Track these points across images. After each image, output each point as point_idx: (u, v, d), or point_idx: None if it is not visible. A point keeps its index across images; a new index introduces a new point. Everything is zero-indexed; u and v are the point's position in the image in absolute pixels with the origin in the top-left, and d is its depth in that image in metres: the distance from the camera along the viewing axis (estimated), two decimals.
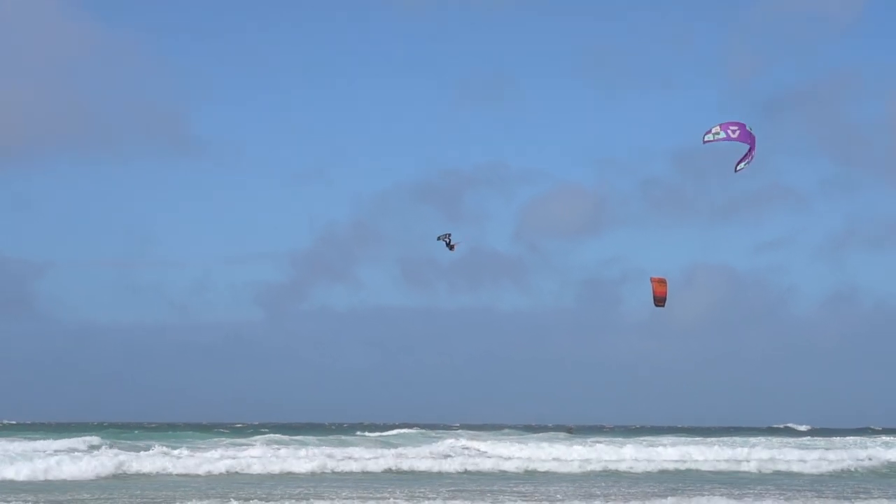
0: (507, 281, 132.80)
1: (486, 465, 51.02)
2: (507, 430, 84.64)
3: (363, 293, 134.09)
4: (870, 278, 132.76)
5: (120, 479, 43.04)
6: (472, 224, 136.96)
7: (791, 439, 73.56)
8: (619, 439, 68.89)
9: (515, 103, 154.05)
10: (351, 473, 47.80)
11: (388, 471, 49.04)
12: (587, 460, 54.17)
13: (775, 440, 70.69)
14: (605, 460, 54.52)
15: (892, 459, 58.82)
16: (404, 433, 75.82)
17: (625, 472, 50.57)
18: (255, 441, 59.81)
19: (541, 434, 79.52)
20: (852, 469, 53.77)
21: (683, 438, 70.33)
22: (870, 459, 57.31)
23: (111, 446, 51.74)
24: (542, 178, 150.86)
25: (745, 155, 30.15)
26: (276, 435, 67.61)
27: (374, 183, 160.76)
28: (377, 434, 75.08)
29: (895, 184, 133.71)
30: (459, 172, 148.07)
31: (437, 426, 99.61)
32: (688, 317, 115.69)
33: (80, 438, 56.57)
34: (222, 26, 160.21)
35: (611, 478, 47.70)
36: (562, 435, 75.01)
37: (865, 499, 38.79)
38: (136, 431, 75.56)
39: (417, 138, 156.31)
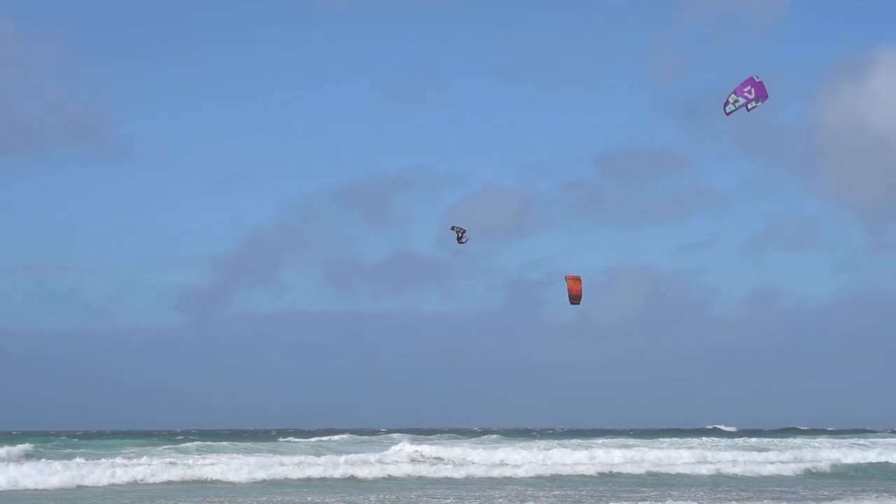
0: (431, 284, 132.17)
1: (456, 471, 50.81)
2: (436, 435, 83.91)
3: (287, 297, 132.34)
4: (790, 279, 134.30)
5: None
6: (396, 227, 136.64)
7: (727, 440, 73.87)
8: (550, 441, 68.78)
9: (441, 105, 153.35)
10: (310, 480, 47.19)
11: (353, 478, 48.33)
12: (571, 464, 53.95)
13: (723, 442, 71.17)
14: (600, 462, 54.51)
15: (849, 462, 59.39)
16: (342, 439, 74.77)
17: (615, 475, 50.56)
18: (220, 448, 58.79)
19: (474, 439, 78.88)
20: (793, 473, 53.71)
21: (625, 441, 70.22)
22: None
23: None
24: (466, 180, 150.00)
25: (759, 98, 30.04)
26: (225, 442, 66.75)
27: (299, 186, 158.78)
28: (315, 439, 74.09)
29: (815, 185, 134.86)
30: (384, 175, 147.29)
31: (364, 431, 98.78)
32: (612, 318, 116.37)
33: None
34: (148, 28, 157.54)
35: (604, 482, 47.42)
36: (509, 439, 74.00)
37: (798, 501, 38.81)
38: (64, 438, 74.50)
39: (342, 141, 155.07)
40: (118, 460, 49.93)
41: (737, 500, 38.70)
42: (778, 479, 49.68)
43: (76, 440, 74.79)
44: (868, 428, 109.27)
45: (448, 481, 47.33)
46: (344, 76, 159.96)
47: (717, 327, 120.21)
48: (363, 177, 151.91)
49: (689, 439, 75.05)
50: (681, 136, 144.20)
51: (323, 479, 47.67)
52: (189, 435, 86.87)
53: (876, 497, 39.67)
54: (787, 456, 61.05)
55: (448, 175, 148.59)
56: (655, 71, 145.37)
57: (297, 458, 53.34)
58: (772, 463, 56.19)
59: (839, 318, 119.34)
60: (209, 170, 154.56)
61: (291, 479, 47.31)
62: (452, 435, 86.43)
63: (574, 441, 68.84)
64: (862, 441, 74.77)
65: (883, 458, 62.03)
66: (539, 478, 49.44)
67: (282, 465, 50.37)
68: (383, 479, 48.29)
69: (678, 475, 51.31)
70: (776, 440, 75.55)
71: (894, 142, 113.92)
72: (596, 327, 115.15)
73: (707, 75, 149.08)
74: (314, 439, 74.41)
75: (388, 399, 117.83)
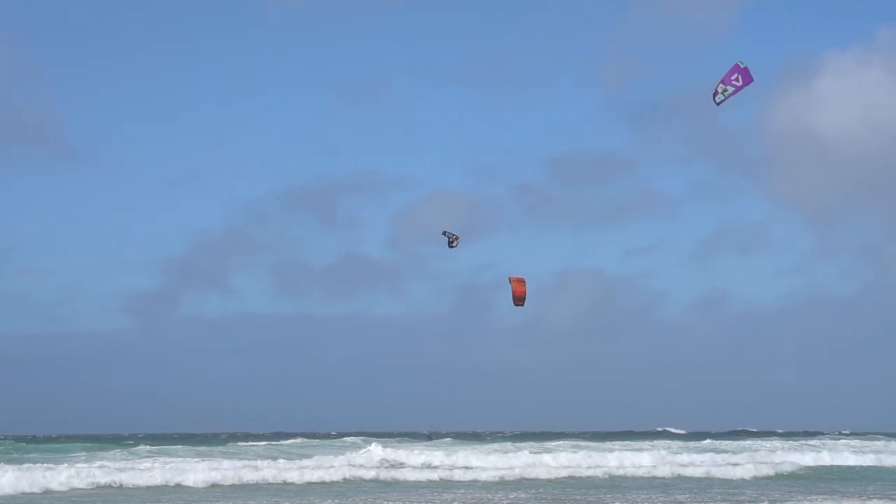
0: (381, 287, 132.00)
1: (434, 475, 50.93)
2: (386, 438, 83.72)
3: (236, 301, 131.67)
4: (738, 282, 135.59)
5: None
6: (346, 230, 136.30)
7: (685, 443, 74.22)
8: (503, 444, 68.76)
9: (391, 108, 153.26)
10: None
11: (323, 482, 48.01)
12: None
13: (676, 444, 71.42)
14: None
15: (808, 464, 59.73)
16: (295, 443, 74.35)
17: (576, 478, 50.64)
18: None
19: (428, 442, 78.73)
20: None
21: (579, 443, 70.38)
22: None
23: None
24: (417, 183, 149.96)
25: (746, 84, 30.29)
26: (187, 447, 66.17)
27: (248, 189, 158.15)
28: (265, 443, 73.61)
29: (764, 190, 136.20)
30: (334, 178, 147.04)
31: (316, 434, 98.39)
32: (562, 321, 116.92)
33: None
34: (97, 31, 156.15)
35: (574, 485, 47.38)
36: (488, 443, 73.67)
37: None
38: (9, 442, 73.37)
39: (292, 143, 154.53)
40: (79, 465, 49.19)
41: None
42: (742, 483, 49.61)
43: (24, 444, 73.95)
44: (818, 430, 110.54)
45: (416, 485, 47.12)
46: (294, 79, 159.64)
47: (666, 331, 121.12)
48: (313, 179, 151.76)
49: (654, 442, 75.04)
50: (631, 139, 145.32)
51: (287, 484, 47.35)
52: (138, 438, 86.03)
53: (842, 497, 40.05)
54: (743, 457, 61.29)
55: (398, 178, 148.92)
56: (607, 75, 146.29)
57: (263, 462, 52.65)
58: (735, 465, 56.27)
59: (787, 321, 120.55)
60: (158, 172, 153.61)
61: (252, 484, 47.02)
62: (403, 438, 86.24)
63: (528, 444, 68.74)
64: (814, 442, 75.44)
65: (843, 461, 62.32)
66: (503, 482, 49.42)
67: (240, 468, 49.84)
68: (352, 482, 48.17)
69: (638, 478, 51.57)
70: (735, 442, 75.97)
71: (842, 146, 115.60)
72: (546, 330, 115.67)
73: (658, 79, 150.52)
74: (263, 443, 73.87)
75: (338, 402, 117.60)
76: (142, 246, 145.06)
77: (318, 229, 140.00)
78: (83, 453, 59.37)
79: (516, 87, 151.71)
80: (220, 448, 67.34)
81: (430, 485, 47.39)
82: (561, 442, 72.76)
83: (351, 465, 53.23)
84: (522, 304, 36.31)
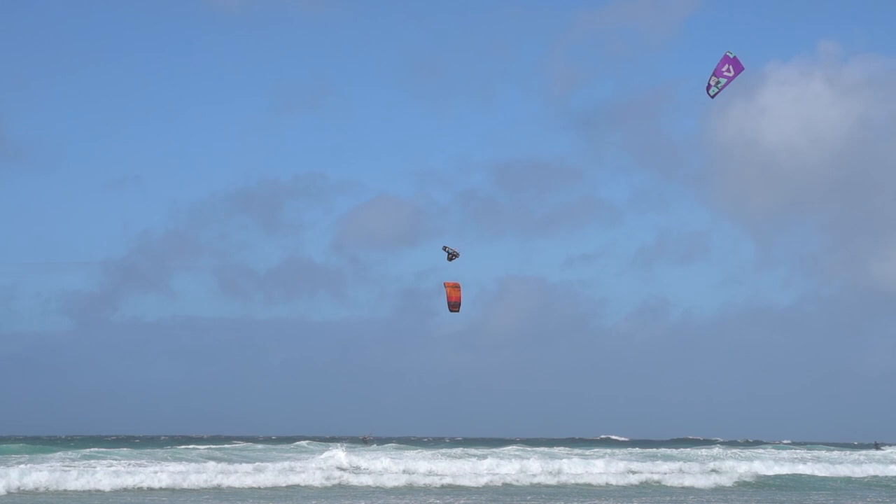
0: (323, 291, 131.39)
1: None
2: (327, 442, 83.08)
3: (177, 303, 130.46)
4: (678, 291, 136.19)
5: None
6: (290, 234, 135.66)
7: (637, 450, 74.25)
8: (450, 450, 68.46)
9: (337, 113, 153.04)
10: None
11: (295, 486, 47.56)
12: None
13: (620, 451, 71.38)
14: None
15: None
16: (246, 446, 73.52)
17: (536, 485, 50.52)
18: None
19: (378, 447, 78.23)
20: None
21: (530, 449, 70.24)
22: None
23: None
24: (361, 188, 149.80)
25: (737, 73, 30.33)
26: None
27: (192, 191, 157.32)
28: (208, 447, 72.57)
29: (705, 199, 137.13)
30: (278, 182, 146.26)
31: (256, 438, 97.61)
32: (503, 328, 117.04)
33: None
34: (39, 31, 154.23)
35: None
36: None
37: None
38: None
39: (237, 146, 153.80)
40: (22, 466, 48.21)
41: None
42: (701, 492, 49.46)
43: None
44: (758, 439, 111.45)
45: (395, 491, 46.85)
46: (240, 83, 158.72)
47: (607, 338, 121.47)
48: (257, 183, 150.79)
49: (614, 450, 75.00)
50: (576, 147, 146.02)
51: (255, 489, 46.77)
52: (78, 441, 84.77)
53: None
54: (697, 466, 61.11)
55: (342, 183, 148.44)
56: (551, 82, 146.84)
57: (235, 466, 51.80)
58: (687, 474, 56.23)
59: (726, 330, 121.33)
60: (100, 173, 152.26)
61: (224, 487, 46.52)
62: (347, 443, 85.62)
63: (474, 450, 68.46)
64: (761, 451, 75.79)
65: (796, 470, 62.50)
66: (468, 488, 49.29)
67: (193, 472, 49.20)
68: (317, 488, 47.73)
69: (591, 485, 51.49)
70: (684, 450, 76.11)
71: (784, 158, 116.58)
72: (487, 337, 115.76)
73: (602, 87, 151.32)
74: (204, 447, 72.86)
75: (279, 405, 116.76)
76: (81, 247, 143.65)
77: (261, 233, 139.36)
78: (26, 455, 58.27)
79: (461, 94, 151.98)
80: (162, 450, 66.44)
81: (405, 490, 47.06)
82: (509, 448, 72.44)
83: (320, 468, 52.78)
84: (457, 310, 36.21)
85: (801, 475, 60.48)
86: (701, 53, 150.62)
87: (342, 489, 47.19)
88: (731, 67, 30.22)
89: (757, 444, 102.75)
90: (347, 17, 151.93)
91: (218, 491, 45.41)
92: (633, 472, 55.98)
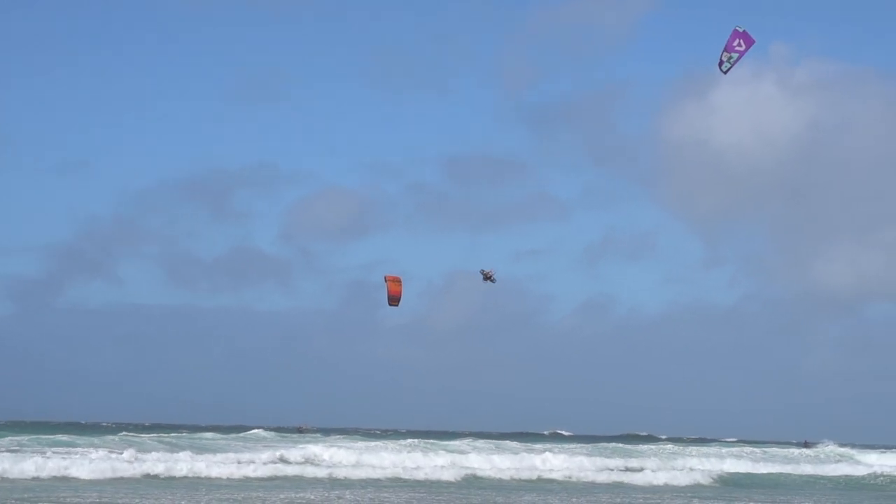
0: (270, 281, 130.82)
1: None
2: (270, 431, 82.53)
3: (122, 290, 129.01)
4: (624, 288, 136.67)
5: None
6: (238, 223, 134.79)
7: (588, 446, 74.38)
8: (400, 443, 68.17)
9: (291, 103, 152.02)
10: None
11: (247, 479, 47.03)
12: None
13: (561, 447, 71.28)
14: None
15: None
16: (210, 436, 72.56)
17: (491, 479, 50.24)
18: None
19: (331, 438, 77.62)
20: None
21: (479, 444, 70.03)
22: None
23: None
24: (310, 179, 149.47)
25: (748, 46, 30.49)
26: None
27: (140, 178, 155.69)
28: (150, 435, 71.79)
29: (654, 197, 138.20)
30: (228, 171, 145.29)
31: (199, 427, 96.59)
32: (450, 322, 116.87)
33: None
34: None
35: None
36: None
37: None
38: None
39: (188, 135, 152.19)
40: None
41: None
42: (659, 489, 49.43)
43: None
44: (702, 436, 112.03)
45: (328, 482, 46.49)
46: (193, 70, 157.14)
47: (552, 334, 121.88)
48: (206, 171, 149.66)
49: (566, 445, 74.98)
50: (528, 142, 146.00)
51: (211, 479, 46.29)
52: (19, 427, 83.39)
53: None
54: (652, 463, 61.18)
55: (292, 173, 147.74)
56: (506, 77, 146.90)
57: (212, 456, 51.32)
58: (644, 471, 56.22)
59: (670, 328, 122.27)
60: (46, 157, 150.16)
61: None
62: (283, 432, 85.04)
63: (430, 442, 68.23)
64: (713, 449, 76.14)
65: (754, 469, 62.64)
66: (419, 481, 49.09)
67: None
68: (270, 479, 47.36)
69: (552, 480, 51.53)
70: (633, 447, 76.28)
71: (733, 157, 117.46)
72: (434, 330, 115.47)
73: (556, 85, 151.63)
74: (147, 435, 72.05)
75: (223, 394, 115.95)
76: (25, 232, 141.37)
77: (209, 221, 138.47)
78: None
79: (415, 87, 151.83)
80: (107, 438, 65.49)
81: (383, 483, 46.80)
82: (458, 442, 72.15)
83: (283, 461, 52.49)
84: (397, 304, 36.12)
85: (765, 474, 60.29)
86: (656, 52, 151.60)
87: (316, 481, 46.84)
88: (741, 42, 30.34)
89: (701, 441, 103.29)
90: (304, 8, 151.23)
91: (159, 479, 44.92)
92: (610, 469, 56.06)
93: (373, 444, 66.36)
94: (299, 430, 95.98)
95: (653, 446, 79.23)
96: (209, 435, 69.74)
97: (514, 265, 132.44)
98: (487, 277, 37.80)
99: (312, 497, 38.41)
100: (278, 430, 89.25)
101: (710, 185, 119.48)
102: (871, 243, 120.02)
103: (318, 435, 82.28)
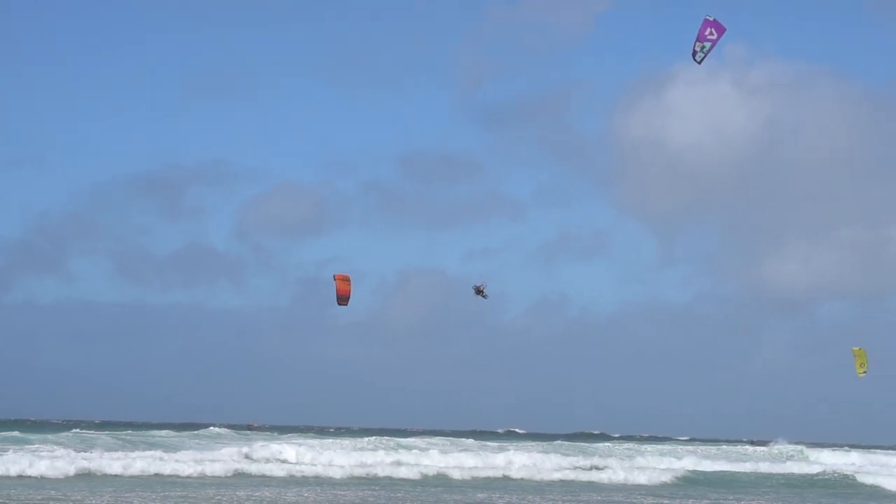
0: (223, 278, 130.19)
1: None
2: (253, 429, 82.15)
3: (74, 287, 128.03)
4: (578, 287, 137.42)
5: None
6: (192, 220, 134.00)
7: (544, 444, 74.44)
8: (357, 440, 67.95)
9: (247, 99, 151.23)
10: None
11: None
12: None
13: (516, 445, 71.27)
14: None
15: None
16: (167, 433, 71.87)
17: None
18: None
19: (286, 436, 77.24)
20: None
21: (436, 441, 69.91)
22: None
23: None
24: (265, 176, 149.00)
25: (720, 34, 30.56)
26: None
27: (93, 173, 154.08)
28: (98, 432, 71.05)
29: (610, 197, 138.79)
30: (182, 167, 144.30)
31: (150, 425, 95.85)
32: (403, 320, 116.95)
33: None
34: None
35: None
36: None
37: None
38: None
39: (142, 130, 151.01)
40: None
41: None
42: (619, 488, 49.31)
43: None
44: (655, 434, 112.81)
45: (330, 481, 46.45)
46: (147, 66, 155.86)
47: (506, 332, 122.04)
48: (161, 167, 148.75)
49: (526, 443, 75.01)
50: (483, 141, 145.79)
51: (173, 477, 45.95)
52: None
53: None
54: (617, 462, 61.06)
55: (246, 170, 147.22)
56: (461, 76, 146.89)
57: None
58: (619, 470, 56.21)
59: (623, 327, 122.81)
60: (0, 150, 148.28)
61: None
62: (240, 429, 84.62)
63: (389, 440, 67.98)
64: (668, 447, 76.37)
65: (732, 467, 62.78)
66: (390, 478, 48.98)
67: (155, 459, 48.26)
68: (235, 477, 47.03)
69: (518, 479, 51.57)
70: (591, 445, 76.46)
71: (688, 158, 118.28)
72: (387, 328, 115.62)
73: (512, 83, 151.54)
74: (97, 432, 71.25)
75: (174, 391, 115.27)
76: None
77: (162, 217, 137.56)
78: None
79: (371, 85, 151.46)
80: (65, 434, 64.78)
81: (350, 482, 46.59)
82: (416, 440, 72.04)
83: (248, 458, 52.20)
84: (346, 304, 35.92)
85: (726, 472, 60.30)
86: (612, 52, 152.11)
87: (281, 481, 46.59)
88: (713, 30, 30.46)
89: (654, 439, 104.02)
90: (261, 4, 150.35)
91: (123, 478, 44.56)
92: (575, 468, 56.08)
93: (328, 441, 66.09)
94: (249, 428, 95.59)
95: (610, 444, 79.52)
96: (164, 433, 69.12)
97: (467, 263, 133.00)
98: (479, 292, 37.84)
99: (269, 494, 38.20)
100: (229, 427, 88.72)
101: (666, 184, 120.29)
102: (823, 243, 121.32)
103: (274, 433, 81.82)
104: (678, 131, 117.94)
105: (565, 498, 41.44)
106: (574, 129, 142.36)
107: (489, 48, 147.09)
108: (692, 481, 54.19)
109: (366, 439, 65.92)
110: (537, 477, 52.59)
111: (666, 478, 53.89)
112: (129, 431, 70.78)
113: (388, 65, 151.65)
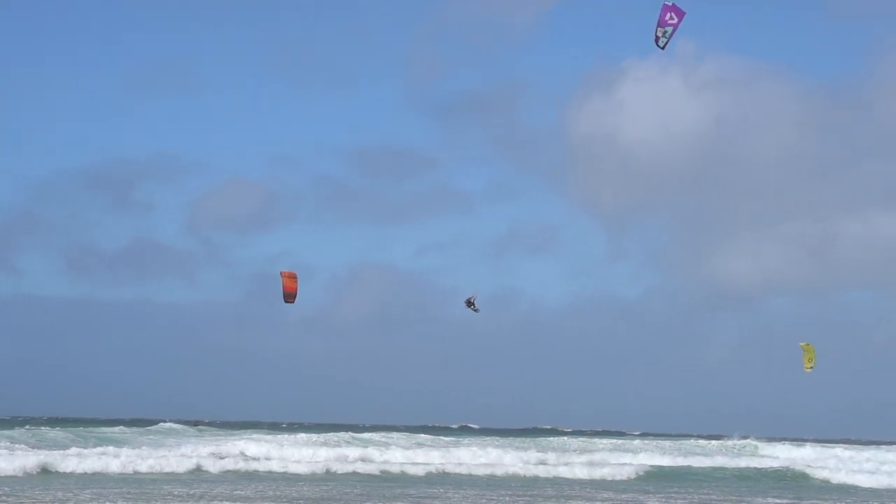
0: (173, 273, 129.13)
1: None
2: (201, 427, 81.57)
3: (20, 281, 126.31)
4: (528, 282, 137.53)
5: None
6: (140, 214, 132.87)
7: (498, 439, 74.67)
8: (310, 435, 67.83)
9: (196, 93, 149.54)
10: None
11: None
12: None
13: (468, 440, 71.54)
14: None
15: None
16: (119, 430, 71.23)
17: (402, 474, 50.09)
18: None
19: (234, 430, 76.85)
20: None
21: (394, 437, 69.84)
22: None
23: None
24: (214, 171, 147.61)
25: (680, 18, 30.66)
26: None
27: (40, 167, 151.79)
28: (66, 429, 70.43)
29: (560, 191, 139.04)
30: (131, 160, 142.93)
31: (99, 421, 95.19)
32: (354, 315, 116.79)
33: None
34: None
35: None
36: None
37: None
38: None
39: (89, 124, 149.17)
40: None
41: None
42: (579, 483, 49.32)
43: None
44: (605, 428, 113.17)
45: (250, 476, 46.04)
46: (94, 58, 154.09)
47: (457, 327, 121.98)
48: (108, 161, 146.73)
49: (485, 439, 75.00)
50: (434, 135, 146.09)
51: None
52: None
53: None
54: (574, 458, 61.15)
55: (195, 163, 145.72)
56: (413, 71, 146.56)
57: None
58: (567, 465, 56.26)
59: (573, 321, 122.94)
60: None
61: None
62: (202, 427, 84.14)
63: (342, 435, 67.89)
64: (627, 442, 76.76)
65: (692, 462, 62.80)
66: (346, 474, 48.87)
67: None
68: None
69: (483, 476, 51.58)
70: (543, 439, 76.71)
71: (639, 153, 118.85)
72: (338, 323, 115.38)
73: (463, 78, 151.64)
74: (58, 430, 70.55)
75: (119, 388, 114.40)
76: None
77: (110, 212, 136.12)
78: None
79: (321, 79, 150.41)
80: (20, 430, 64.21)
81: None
82: (373, 435, 71.90)
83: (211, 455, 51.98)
84: (293, 301, 35.77)
85: (683, 468, 60.36)
86: (564, 46, 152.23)
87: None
88: (672, 15, 30.63)
89: (606, 433, 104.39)
90: None
91: (89, 476, 44.17)
92: (540, 463, 56.09)
93: (286, 437, 65.86)
94: (196, 424, 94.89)
95: (566, 438, 79.94)
96: (117, 429, 68.53)
97: (418, 258, 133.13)
98: (470, 304, 38.16)
99: (225, 491, 38.06)
100: (180, 423, 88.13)
101: (616, 179, 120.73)
102: (771, 238, 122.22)
103: (225, 429, 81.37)
104: (629, 127, 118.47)
105: (532, 493, 41.57)
106: (525, 123, 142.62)
107: (441, 42, 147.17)
108: (655, 476, 54.41)
109: (323, 435, 65.76)
110: (500, 472, 52.41)
111: (626, 473, 53.98)
112: (81, 427, 70.23)
113: (338, 59, 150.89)
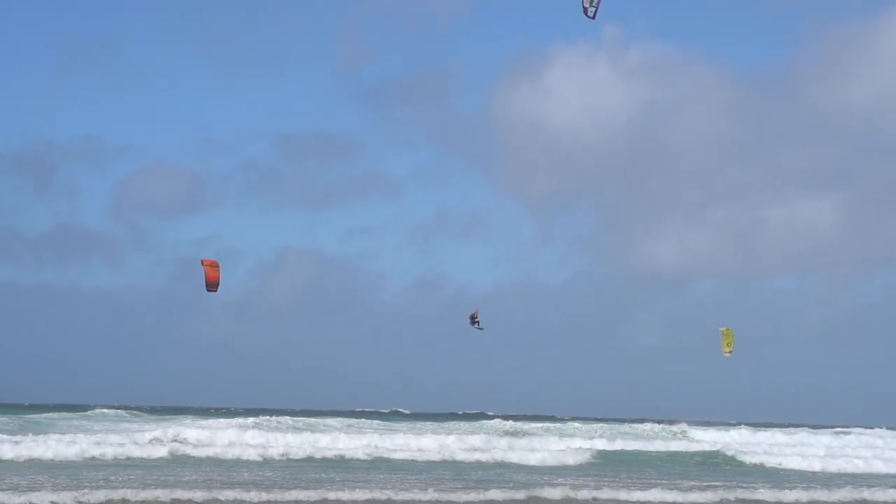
0: (97, 258, 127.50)
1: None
2: (134, 412, 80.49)
3: None
4: (455, 266, 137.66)
5: None
6: (63, 198, 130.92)
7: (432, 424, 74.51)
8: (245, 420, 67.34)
9: (120, 75, 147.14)
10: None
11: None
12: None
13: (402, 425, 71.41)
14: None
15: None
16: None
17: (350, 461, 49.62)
18: None
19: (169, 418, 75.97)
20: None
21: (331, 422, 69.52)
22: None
23: None
24: (140, 154, 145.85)
25: None
26: None
27: None
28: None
29: (488, 177, 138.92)
30: (53, 143, 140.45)
31: (24, 407, 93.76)
32: (281, 299, 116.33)
33: None
34: None
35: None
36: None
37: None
38: None
39: (11, 107, 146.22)
40: None
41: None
42: (538, 469, 48.88)
43: None
44: (537, 413, 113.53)
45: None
46: (16, 38, 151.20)
47: (384, 311, 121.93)
48: (30, 143, 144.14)
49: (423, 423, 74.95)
50: (362, 120, 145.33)
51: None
52: None
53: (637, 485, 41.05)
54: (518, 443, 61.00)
55: (121, 147, 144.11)
56: (341, 55, 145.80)
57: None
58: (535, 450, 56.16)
59: (499, 305, 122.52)
60: None
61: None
62: (135, 412, 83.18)
63: (277, 419, 67.41)
64: (556, 426, 77.19)
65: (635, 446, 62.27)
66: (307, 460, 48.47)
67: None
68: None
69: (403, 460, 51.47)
70: (475, 423, 76.79)
71: (566, 139, 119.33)
72: (264, 308, 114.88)
73: (391, 63, 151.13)
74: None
75: (40, 374, 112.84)
76: None
77: (33, 195, 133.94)
78: None
79: (248, 63, 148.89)
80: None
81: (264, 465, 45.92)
82: (310, 419, 71.42)
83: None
84: (215, 290, 35.50)
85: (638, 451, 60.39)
86: (491, 31, 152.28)
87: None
88: None
89: (536, 418, 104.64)
90: None
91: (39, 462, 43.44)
92: (481, 450, 55.77)
93: (216, 421, 65.31)
94: (126, 409, 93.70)
95: (500, 420, 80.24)
96: (55, 415, 67.50)
97: (345, 243, 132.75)
98: (474, 321, 38.09)
99: (158, 477, 37.67)
100: (109, 408, 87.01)
101: (544, 165, 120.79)
102: (697, 223, 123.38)
103: (153, 414, 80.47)
104: (556, 112, 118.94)
105: (489, 477, 41.61)
106: (453, 109, 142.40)
107: (368, 26, 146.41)
108: (606, 458, 54.57)
109: (254, 419, 65.23)
110: (450, 458, 52.01)
111: (577, 458, 53.91)
112: (9, 415, 69.17)
113: (265, 43, 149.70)
